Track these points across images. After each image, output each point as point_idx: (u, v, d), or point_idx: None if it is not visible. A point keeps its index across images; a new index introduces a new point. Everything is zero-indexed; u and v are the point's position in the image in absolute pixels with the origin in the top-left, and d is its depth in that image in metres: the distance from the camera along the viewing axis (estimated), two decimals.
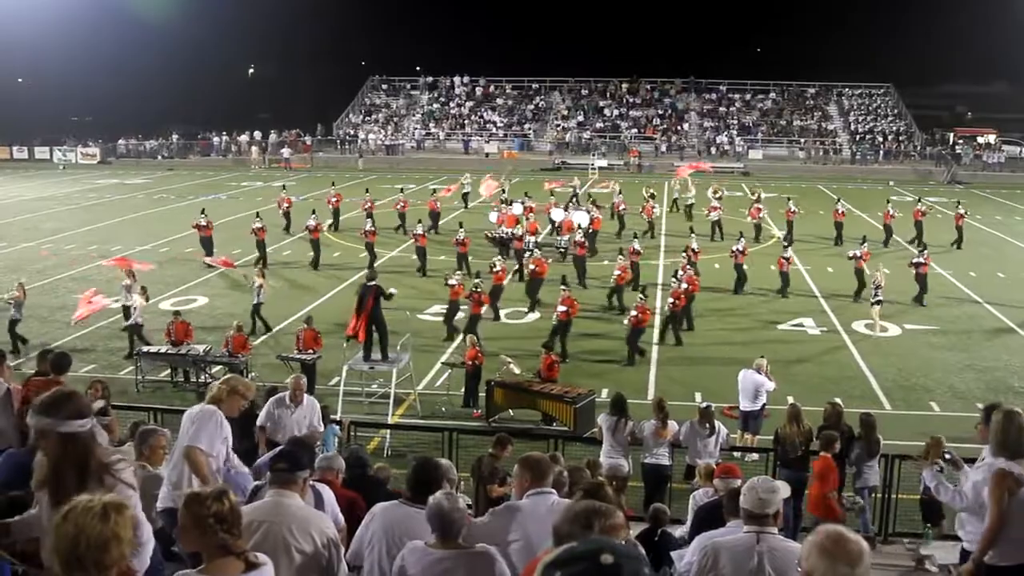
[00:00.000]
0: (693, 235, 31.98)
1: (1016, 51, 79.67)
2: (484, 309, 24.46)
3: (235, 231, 36.99)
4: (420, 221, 34.35)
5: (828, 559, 3.69)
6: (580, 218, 35.13)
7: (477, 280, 24.46)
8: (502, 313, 26.94)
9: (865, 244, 29.85)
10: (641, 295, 23.61)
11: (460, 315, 24.78)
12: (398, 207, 39.37)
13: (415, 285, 29.90)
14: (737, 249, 29.76)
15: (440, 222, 39.39)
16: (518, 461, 6.71)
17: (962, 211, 37.94)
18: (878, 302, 25.36)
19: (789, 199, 39.65)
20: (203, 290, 29.88)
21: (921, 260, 28.61)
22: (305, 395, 13.43)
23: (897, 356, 23.81)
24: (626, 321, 23.35)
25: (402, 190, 41.99)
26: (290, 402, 13.17)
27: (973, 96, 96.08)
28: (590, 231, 35.04)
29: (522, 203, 38.26)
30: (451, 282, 24.88)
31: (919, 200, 40.03)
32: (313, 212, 34.74)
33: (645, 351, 23.66)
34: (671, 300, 24.55)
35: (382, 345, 19.51)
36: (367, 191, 41.33)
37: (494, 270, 27.24)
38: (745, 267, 29.96)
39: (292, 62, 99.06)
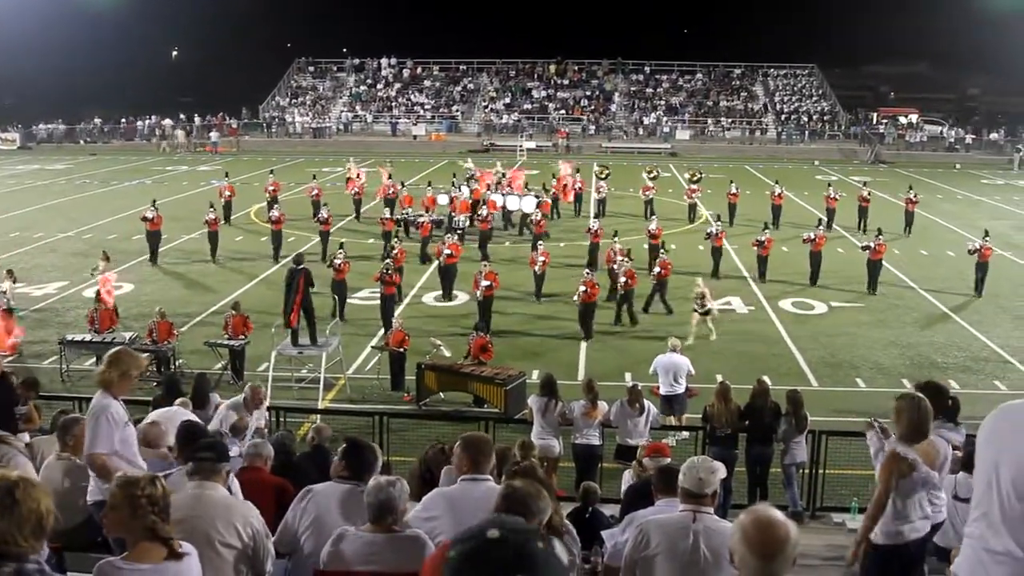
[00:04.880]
0: (653, 217, 31.93)
1: (938, 32, 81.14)
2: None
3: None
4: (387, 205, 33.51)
5: (752, 546, 3.69)
6: (527, 204, 35.26)
7: (388, 260, 23.87)
8: (431, 296, 26.92)
9: (820, 227, 30.12)
10: (587, 271, 23.54)
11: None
12: (311, 194, 37.84)
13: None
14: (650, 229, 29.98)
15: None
16: (459, 441, 6.59)
17: (912, 195, 38.01)
18: (695, 310, 23.24)
19: (732, 181, 39.96)
20: (129, 277, 29.28)
21: (872, 245, 28.17)
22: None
23: (823, 334, 24.14)
24: (576, 298, 23.22)
25: (271, 171, 41.68)
26: (248, 409, 12.66)
27: (896, 77, 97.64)
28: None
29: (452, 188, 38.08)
30: (336, 262, 23.97)
31: (864, 184, 40.51)
32: (276, 202, 34.52)
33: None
34: (623, 280, 24.25)
35: (311, 330, 19.41)
36: (314, 177, 40.74)
37: (392, 252, 26.05)
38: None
39: (217, 45, 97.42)
